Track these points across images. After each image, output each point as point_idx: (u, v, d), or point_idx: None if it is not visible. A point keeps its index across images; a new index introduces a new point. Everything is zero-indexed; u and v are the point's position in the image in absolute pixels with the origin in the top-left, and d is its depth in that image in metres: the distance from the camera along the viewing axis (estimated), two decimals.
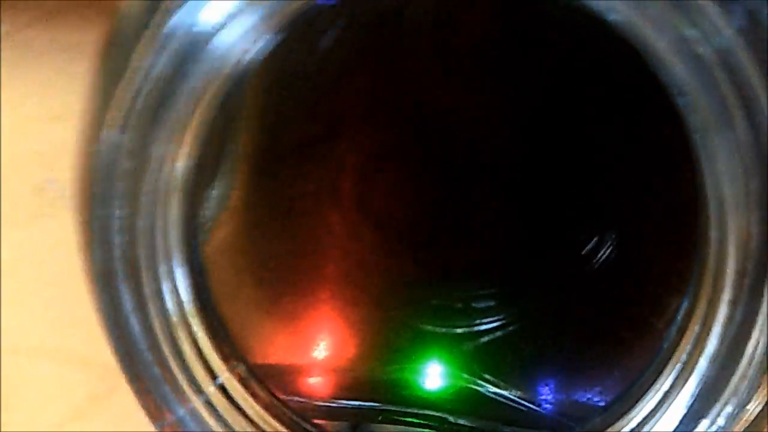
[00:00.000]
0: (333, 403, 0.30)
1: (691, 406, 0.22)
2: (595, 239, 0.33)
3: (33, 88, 0.38)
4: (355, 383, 0.32)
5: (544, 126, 0.32)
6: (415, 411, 0.31)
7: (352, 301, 0.33)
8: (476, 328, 0.33)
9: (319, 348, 0.32)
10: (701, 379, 0.22)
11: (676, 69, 0.22)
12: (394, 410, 0.31)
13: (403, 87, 0.33)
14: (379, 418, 0.30)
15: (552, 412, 0.31)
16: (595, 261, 0.33)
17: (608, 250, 0.32)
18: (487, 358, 0.32)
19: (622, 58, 0.25)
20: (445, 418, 0.31)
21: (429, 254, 0.34)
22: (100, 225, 0.21)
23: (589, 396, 0.31)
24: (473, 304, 0.33)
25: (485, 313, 0.33)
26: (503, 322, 0.33)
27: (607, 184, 0.32)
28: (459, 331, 0.33)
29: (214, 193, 0.31)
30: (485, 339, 0.33)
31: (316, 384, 0.31)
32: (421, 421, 0.31)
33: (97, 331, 0.38)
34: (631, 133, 0.31)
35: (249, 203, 0.32)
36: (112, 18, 0.27)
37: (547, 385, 0.31)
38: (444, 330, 0.33)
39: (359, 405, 0.30)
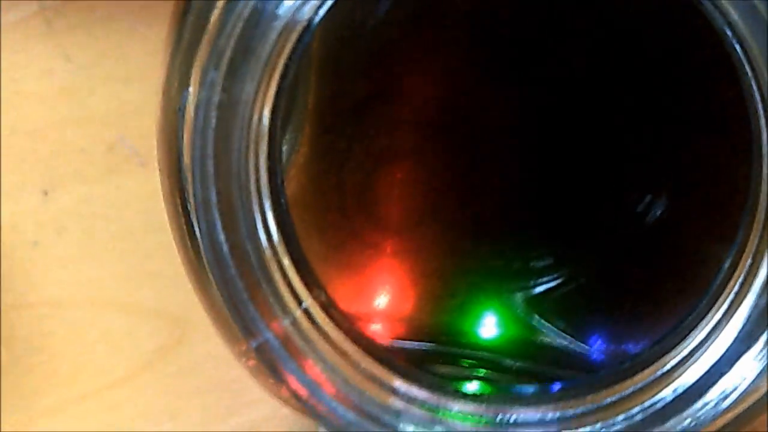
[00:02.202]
0: (393, 343, 0.31)
1: (743, 328, 0.24)
2: (649, 197, 0.34)
3: (105, 51, 0.39)
4: (414, 331, 0.33)
5: (599, 84, 0.33)
6: (470, 353, 0.32)
7: (414, 255, 0.34)
8: (534, 288, 0.34)
9: (382, 296, 0.33)
10: (753, 306, 0.24)
11: (732, 16, 0.23)
12: (451, 352, 0.32)
13: (455, 52, 0.34)
14: (443, 360, 0.31)
15: (602, 359, 0.32)
16: (648, 218, 0.34)
17: (661, 207, 0.33)
18: (542, 311, 0.33)
19: (674, 13, 0.26)
20: (497, 361, 0.32)
21: (488, 213, 0.35)
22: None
23: (640, 347, 0.32)
24: (531, 264, 0.34)
25: (543, 271, 0.34)
26: (560, 280, 0.34)
27: (660, 141, 0.33)
28: (517, 289, 0.34)
29: (285, 148, 0.32)
30: (542, 297, 0.34)
31: (378, 329, 0.33)
32: (476, 363, 0.32)
33: (167, 283, 0.39)
34: (683, 89, 0.32)
35: (313, 158, 0.34)
36: None
37: (599, 336, 0.33)
38: (502, 288, 0.34)
39: (418, 346, 0.32)
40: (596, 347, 0.33)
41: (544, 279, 0.34)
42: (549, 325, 0.33)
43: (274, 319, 0.24)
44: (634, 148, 0.34)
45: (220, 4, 0.24)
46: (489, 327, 0.33)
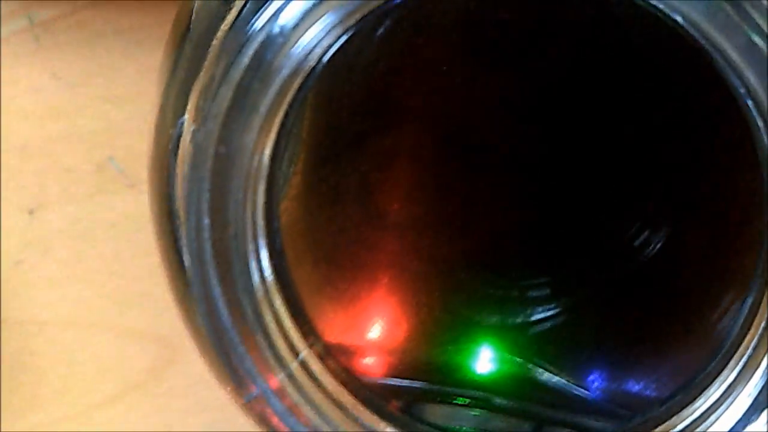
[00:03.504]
0: (386, 381, 0.31)
1: (757, 397, 0.23)
2: (646, 232, 0.33)
3: (94, 69, 0.39)
4: (408, 365, 0.32)
5: (603, 116, 0.33)
6: (464, 392, 0.32)
7: (408, 287, 0.34)
8: (530, 317, 0.33)
9: (374, 330, 0.33)
10: (766, 372, 0.23)
11: (744, 72, 0.23)
12: (444, 391, 0.32)
13: (447, 82, 0.34)
14: (437, 399, 0.31)
15: (602, 399, 0.32)
16: (646, 253, 0.33)
17: (659, 243, 0.33)
18: (539, 345, 0.33)
19: (687, 57, 0.26)
20: (492, 400, 0.32)
21: (485, 243, 0.35)
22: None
23: (640, 387, 0.31)
24: (528, 293, 0.34)
25: (540, 302, 0.33)
26: (557, 311, 0.33)
27: (666, 176, 0.33)
28: (513, 319, 0.33)
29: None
30: (538, 327, 0.33)
31: (371, 364, 0.32)
32: (470, 402, 0.32)
33: (155, 305, 0.39)
34: (691, 125, 0.32)
35: (307, 190, 0.33)
36: (182, 6, 0.28)
37: (598, 374, 0.32)
38: (498, 317, 0.34)
39: (411, 385, 0.31)
40: (595, 386, 0.32)
41: (541, 309, 0.34)
42: (545, 362, 0.32)
43: (270, 372, 0.23)
44: (635, 181, 0.34)
45: (215, 50, 0.23)
46: (484, 362, 0.33)
